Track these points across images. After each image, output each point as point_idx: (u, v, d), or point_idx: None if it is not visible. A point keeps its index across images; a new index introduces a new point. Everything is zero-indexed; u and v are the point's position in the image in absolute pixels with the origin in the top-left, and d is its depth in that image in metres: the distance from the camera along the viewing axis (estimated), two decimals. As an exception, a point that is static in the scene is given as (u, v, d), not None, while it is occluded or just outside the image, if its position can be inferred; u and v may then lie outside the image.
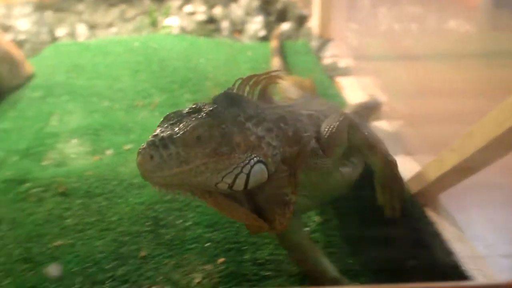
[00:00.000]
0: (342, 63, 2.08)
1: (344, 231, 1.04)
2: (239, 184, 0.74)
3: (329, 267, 0.91)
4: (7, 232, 1.08)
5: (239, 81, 0.80)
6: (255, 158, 0.75)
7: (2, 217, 1.13)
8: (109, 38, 2.28)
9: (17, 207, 1.16)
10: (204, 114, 0.73)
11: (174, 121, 0.73)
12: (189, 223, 1.07)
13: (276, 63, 1.92)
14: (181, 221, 1.08)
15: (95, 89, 1.76)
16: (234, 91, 0.79)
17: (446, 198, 1.11)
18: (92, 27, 2.44)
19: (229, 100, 0.77)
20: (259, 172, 0.75)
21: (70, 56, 1.98)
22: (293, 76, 1.54)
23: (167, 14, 2.40)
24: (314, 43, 2.27)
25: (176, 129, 0.71)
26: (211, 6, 2.74)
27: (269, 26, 2.51)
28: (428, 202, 1.10)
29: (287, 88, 1.42)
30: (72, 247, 1.02)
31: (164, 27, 2.32)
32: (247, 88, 0.81)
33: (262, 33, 2.43)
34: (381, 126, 1.46)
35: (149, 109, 1.66)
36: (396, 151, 1.27)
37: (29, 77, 1.81)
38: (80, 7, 2.76)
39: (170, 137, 0.70)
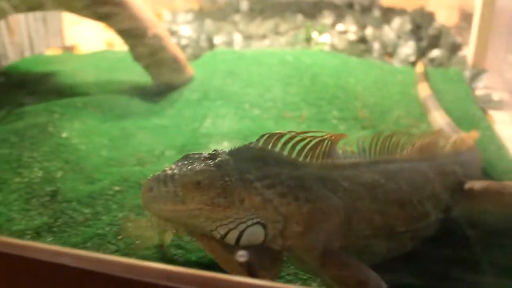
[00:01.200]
0: (496, 96, 1.97)
1: None
2: (231, 238, 0.74)
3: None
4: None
5: (266, 136, 0.79)
6: (255, 219, 0.75)
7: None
8: (264, 49, 2.36)
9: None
10: (212, 163, 0.75)
11: (188, 161, 0.76)
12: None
13: (423, 89, 1.87)
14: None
15: (247, 97, 1.83)
16: (260, 145, 0.79)
17: None
18: (247, 37, 2.54)
19: (247, 154, 0.78)
20: (254, 233, 0.75)
21: (226, 63, 2.08)
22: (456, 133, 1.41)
23: (321, 31, 2.43)
24: (466, 73, 2.17)
25: (184, 169, 0.74)
26: (362, 26, 2.73)
27: (420, 51, 2.45)
28: None
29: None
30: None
31: (317, 43, 2.35)
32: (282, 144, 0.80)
33: (413, 57, 2.37)
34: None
35: (297, 122, 1.69)
36: None
37: (189, 80, 1.93)
38: (236, 17, 2.90)
39: (172, 176, 0.73)
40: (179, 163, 0.77)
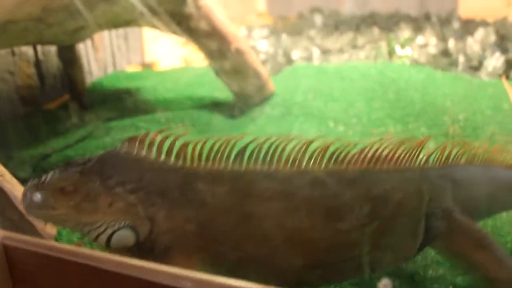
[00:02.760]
0: None
1: None
2: (101, 242, 0.77)
3: None
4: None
5: (129, 139, 0.78)
6: (122, 223, 0.76)
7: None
8: (344, 64, 2.31)
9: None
10: (78, 169, 0.76)
11: (64, 168, 0.77)
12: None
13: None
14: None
15: (330, 113, 1.78)
16: (124, 149, 0.78)
17: None
18: (325, 52, 2.50)
19: (113, 160, 0.78)
20: (123, 236, 0.76)
21: (307, 78, 2.05)
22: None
23: (404, 45, 2.36)
24: None
25: (53, 176, 0.76)
26: (442, 38, 2.63)
27: (509, 63, 2.32)
28: None
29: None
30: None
31: (399, 57, 2.28)
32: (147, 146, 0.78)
33: (502, 70, 2.25)
34: None
35: (384, 139, 1.63)
36: None
37: (270, 95, 1.91)
38: (312, 32, 2.88)
39: (42, 182, 0.75)
40: (57, 170, 0.78)
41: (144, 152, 0.78)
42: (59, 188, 0.76)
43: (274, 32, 2.91)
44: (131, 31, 2.47)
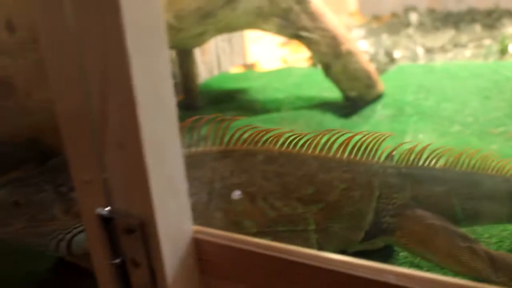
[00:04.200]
0: None
1: None
2: (62, 249, 0.76)
3: None
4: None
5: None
6: (80, 227, 0.75)
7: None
8: (452, 62, 2.28)
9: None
10: (28, 181, 0.75)
11: (13, 183, 0.76)
12: None
13: None
14: None
15: (443, 112, 1.77)
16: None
17: None
18: (428, 50, 2.47)
19: (61, 167, 0.75)
20: (83, 240, 0.75)
21: (416, 78, 2.04)
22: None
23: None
24: None
25: (2, 191, 0.74)
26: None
27: None
28: None
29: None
30: None
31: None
32: None
33: None
34: None
35: (505, 138, 1.59)
36: None
37: (380, 95, 1.92)
38: (410, 31, 2.85)
39: None
40: (8, 185, 0.77)
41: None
42: (12, 202, 0.75)
43: (372, 31, 2.90)
44: (235, 34, 2.55)
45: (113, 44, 0.41)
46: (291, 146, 0.90)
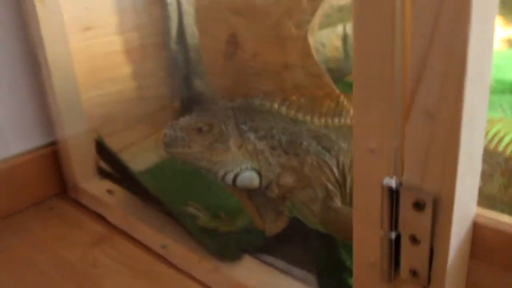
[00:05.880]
0: None
1: None
2: (228, 179, 0.83)
3: None
4: None
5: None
6: (248, 165, 0.82)
7: None
8: None
9: None
10: (214, 113, 0.84)
11: (201, 112, 0.86)
12: None
13: None
14: None
15: None
16: (259, 101, 0.84)
17: None
18: None
19: (247, 108, 0.84)
20: (248, 178, 0.82)
21: None
22: None
23: None
24: None
25: (191, 118, 0.85)
26: None
27: None
28: None
29: None
30: None
31: None
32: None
33: None
34: None
35: None
36: None
37: None
38: None
39: (181, 123, 0.85)
40: (194, 112, 0.87)
41: (276, 106, 0.84)
42: (197, 128, 0.84)
43: None
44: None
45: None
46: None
